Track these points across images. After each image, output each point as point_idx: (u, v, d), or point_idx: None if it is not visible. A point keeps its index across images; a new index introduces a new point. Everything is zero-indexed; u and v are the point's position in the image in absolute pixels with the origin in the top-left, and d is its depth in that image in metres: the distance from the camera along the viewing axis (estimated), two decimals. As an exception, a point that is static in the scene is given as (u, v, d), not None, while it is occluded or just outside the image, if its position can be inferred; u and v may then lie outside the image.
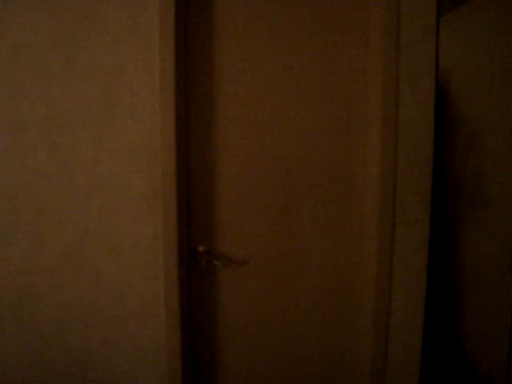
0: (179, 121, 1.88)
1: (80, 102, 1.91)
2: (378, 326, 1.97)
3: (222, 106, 1.93)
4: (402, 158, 1.91)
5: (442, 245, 2.68)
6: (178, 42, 1.84)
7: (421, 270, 1.97)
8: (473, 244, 2.49)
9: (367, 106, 1.93)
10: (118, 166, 1.92)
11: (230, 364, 2.08)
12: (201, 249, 1.96)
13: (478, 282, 2.43)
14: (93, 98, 1.91)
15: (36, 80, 1.91)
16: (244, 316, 2.04)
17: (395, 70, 1.85)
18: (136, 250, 1.95)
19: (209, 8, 1.89)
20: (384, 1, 1.79)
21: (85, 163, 1.94)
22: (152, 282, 1.96)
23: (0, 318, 2.04)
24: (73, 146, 1.94)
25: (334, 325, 2.05)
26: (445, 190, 2.67)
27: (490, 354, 2.29)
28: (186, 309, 1.98)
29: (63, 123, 1.93)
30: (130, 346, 2.01)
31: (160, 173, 1.89)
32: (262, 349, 2.07)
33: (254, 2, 1.89)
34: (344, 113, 1.93)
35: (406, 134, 1.90)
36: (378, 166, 1.90)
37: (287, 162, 1.96)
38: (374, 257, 1.93)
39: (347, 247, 2.00)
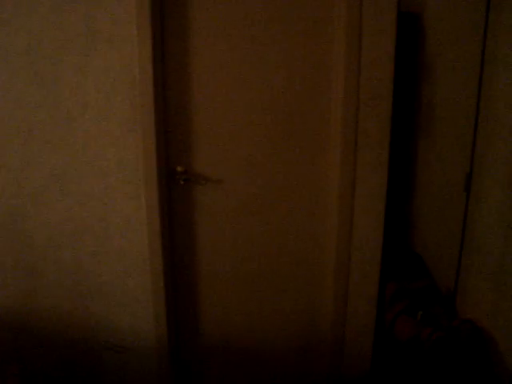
0: (156, 48, 1.99)
1: (60, 32, 2.00)
2: (341, 239, 2.18)
3: (199, 35, 2.04)
4: (364, 85, 2.05)
5: (401, 169, 2.87)
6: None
7: (381, 187, 2.15)
8: (428, 167, 2.67)
9: (332, 42, 2.04)
10: (100, 92, 2.05)
11: (207, 275, 2.29)
12: (179, 169, 2.13)
13: (433, 203, 2.63)
14: (72, 27, 2.00)
15: (15, 9, 1.99)
16: (219, 231, 2.24)
17: (359, 4, 1.96)
18: (119, 170, 2.11)
19: None
20: None
21: (68, 90, 2.06)
22: (135, 200, 2.13)
23: (-5, 236, 2.22)
24: (56, 74, 2.05)
25: (301, 238, 2.25)
26: (413, 118, 2.83)
27: (447, 270, 2.51)
28: (166, 224, 2.17)
29: (45, 52, 2.03)
30: (116, 259, 2.21)
31: (139, 98, 2.02)
32: (236, 257, 2.28)
33: None
34: (312, 49, 2.05)
35: (368, 62, 2.03)
36: (342, 93, 2.04)
37: (261, 94, 2.10)
38: (339, 175, 2.10)
39: (314, 170, 2.17)
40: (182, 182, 2.13)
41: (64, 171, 2.13)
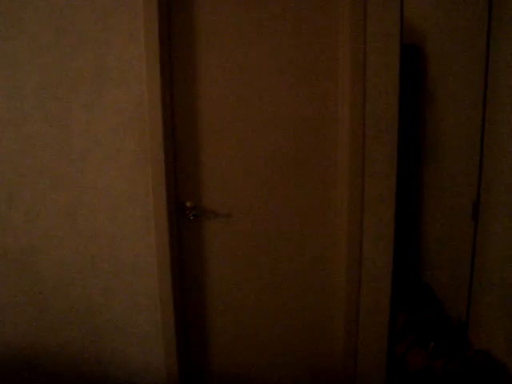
0: (165, 88, 2.04)
1: (72, 72, 2.06)
2: (350, 269, 2.18)
3: (206, 73, 2.09)
4: (369, 117, 2.09)
5: (408, 198, 2.88)
6: (161, 10, 1.98)
7: (389, 218, 2.16)
8: (435, 197, 2.68)
9: (338, 72, 2.09)
10: (110, 129, 2.09)
11: (217, 309, 2.29)
12: (188, 204, 2.15)
13: (442, 232, 2.63)
14: (84, 68, 2.05)
15: (29, 51, 2.05)
16: (228, 264, 2.24)
17: (362, 36, 2.01)
18: (129, 207, 2.13)
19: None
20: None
21: (79, 128, 2.10)
22: (145, 235, 2.15)
23: (6, 273, 2.23)
24: (66, 113, 2.09)
25: (311, 269, 2.26)
26: (418, 147, 2.85)
27: (458, 299, 2.49)
28: (175, 259, 2.18)
29: (57, 91, 2.08)
30: (126, 295, 2.21)
31: (148, 135, 2.05)
32: (246, 291, 2.27)
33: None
34: (317, 81, 2.09)
35: (373, 95, 2.07)
36: (348, 126, 2.07)
37: (268, 127, 2.13)
38: (347, 206, 2.12)
39: (323, 202, 2.19)
40: (191, 217, 2.15)
41: (74, 208, 2.15)
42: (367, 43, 2.03)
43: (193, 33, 2.06)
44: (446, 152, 2.59)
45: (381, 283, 2.22)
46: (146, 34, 1.98)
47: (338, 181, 2.17)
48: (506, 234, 2.07)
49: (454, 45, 2.50)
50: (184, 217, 2.18)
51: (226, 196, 2.18)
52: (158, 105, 2.02)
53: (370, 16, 2.01)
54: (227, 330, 2.31)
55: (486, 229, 2.24)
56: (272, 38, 2.06)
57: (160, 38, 1.99)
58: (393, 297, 2.27)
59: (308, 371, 2.37)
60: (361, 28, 1.99)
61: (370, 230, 2.17)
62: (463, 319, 2.43)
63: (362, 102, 2.05)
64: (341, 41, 2.05)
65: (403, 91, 2.15)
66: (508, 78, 2.06)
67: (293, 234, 2.22)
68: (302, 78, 2.09)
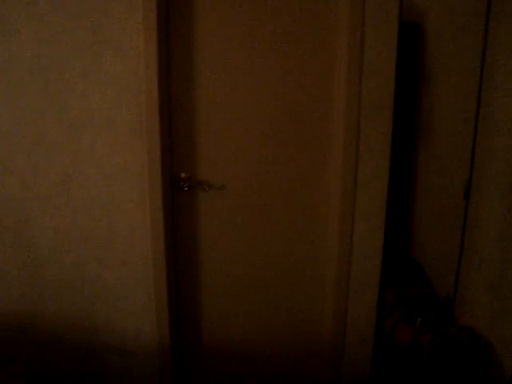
0: (162, 58, 2.04)
1: (69, 40, 2.04)
2: (342, 245, 2.21)
3: (204, 46, 2.08)
4: (365, 94, 2.09)
5: (401, 176, 2.90)
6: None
7: (382, 195, 2.18)
8: (427, 175, 2.70)
9: (335, 51, 2.09)
10: (107, 99, 2.09)
11: (210, 279, 2.33)
12: (183, 175, 2.17)
13: (433, 210, 2.66)
14: (81, 37, 2.04)
15: (25, 19, 2.03)
16: (221, 235, 2.27)
17: (361, 12, 2.00)
18: (124, 177, 2.15)
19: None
20: None
21: (75, 97, 2.10)
22: (139, 206, 2.16)
23: (0, 240, 2.25)
24: (63, 82, 2.09)
25: (303, 244, 2.29)
26: (413, 125, 2.86)
27: (446, 277, 2.54)
28: (169, 229, 2.21)
29: (53, 60, 2.07)
30: (120, 264, 2.24)
31: (144, 106, 2.06)
32: (238, 262, 2.31)
33: None
34: (316, 59, 2.09)
35: (369, 73, 2.07)
36: (344, 102, 2.07)
37: (264, 102, 2.14)
38: (340, 182, 2.14)
39: (316, 176, 2.21)
40: (185, 189, 2.17)
41: (70, 177, 2.17)
42: (365, 19, 2.02)
43: (191, 3, 2.04)
44: (440, 130, 2.61)
45: (371, 259, 2.26)
46: (144, 3, 1.96)
47: (332, 155, 2.18)
48: (496, 213, 2.10)
49: (454, 24, 2.49)
50: (178, 188, 2.20)
51: (220, 168, 2.19)
52: (154, 75, 2.02)
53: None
54: (219, 300, 2.36)
55: (476, 208, 2.27)
56: (273, 9, 2.05)
57: (158, 9, 1.98)
58: (383, 273, 2.30)
59: (297, 346, 2.42)
60: (359, 3, 1.99)
61: (362, 206, 2.19)
62: (451, 296, 2.48)
63: (358, 78, 2.05)
64: (339, 16, 2.05)
65: (401, 69, 2.16)
66: (506, 61, 2.06)
67: (286, 207, 2.24)
68: (299, 52, 2.09)
